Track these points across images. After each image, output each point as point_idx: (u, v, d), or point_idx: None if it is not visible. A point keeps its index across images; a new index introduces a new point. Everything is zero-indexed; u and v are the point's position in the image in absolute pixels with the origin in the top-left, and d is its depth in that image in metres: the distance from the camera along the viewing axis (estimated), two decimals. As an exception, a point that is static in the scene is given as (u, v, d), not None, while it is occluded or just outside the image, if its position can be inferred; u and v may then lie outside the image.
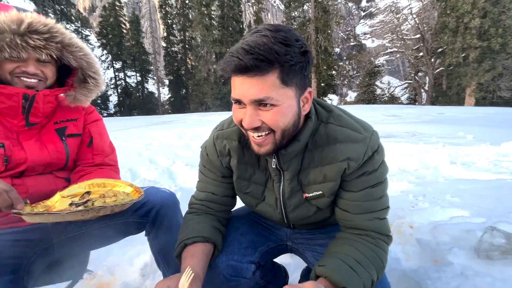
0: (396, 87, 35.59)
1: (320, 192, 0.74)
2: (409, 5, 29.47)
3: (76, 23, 23.78)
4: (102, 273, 1.31)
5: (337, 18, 25.66)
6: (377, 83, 36.10)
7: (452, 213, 1.40)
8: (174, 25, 33.23)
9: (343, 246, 0.69)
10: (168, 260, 1.03)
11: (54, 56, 0.84)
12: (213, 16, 26.95)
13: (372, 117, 9.12)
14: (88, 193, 0.83)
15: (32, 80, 0.83)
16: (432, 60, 26.00)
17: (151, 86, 34.50)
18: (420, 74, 29.46)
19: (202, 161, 0.85)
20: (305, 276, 1.07)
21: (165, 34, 33.65)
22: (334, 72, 29.59)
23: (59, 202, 0.79)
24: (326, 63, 26.29)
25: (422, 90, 28.87)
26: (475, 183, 1.88)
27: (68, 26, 22.12)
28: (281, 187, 0.76)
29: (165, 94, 36.20)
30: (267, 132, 0.63)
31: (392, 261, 1.05)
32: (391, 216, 1.39)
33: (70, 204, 0.76)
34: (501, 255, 0.94)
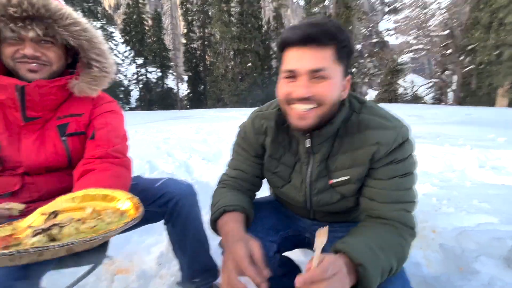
0: (420, 86, 33.97)
1: (347, 177, 0.74)
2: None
3: (102, 20, 24.74)
4: (121, 259, 1.37)
5: (359, 14, 24.85)
6: (400, 81, 34.62)
7: (480, 219, 1.31)
8: (194, 22, 33.66)
9: (366, 230, 0.68)
10: (185, 249, 1.05)
11: (54, 37, 0.75)
12: (232, 12, 27.00)
13: (394, 117, 8.80)
14: (54, 213, 0.61)
15: (33, 66, 0.75)
16: (461, 58, 24.52)
17: (170, 81, 35.27)
18: (447, 72, 27.92)
19: (238, 140, 0.90)
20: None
21: (185, 30, 34.20)
22: (353, 69, 28.75)
23: (36, 221, 0.59)
24: (346, 60, 25.63)
25: (449, 90, 27.38)
26: (506, 189, 1.75)
27: (94, 23, 23.06)
28: (309, 169, 0.78)
29: (183, 89, 36.89)
30: (314, 106, 0.66)
31: (411, 266, 1.01)
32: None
33: (33, 232, 0.53)
34: (535, 266, 0.87)
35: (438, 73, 28.33)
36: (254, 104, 26.51)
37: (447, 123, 6.45)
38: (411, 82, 35.87)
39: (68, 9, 0.78)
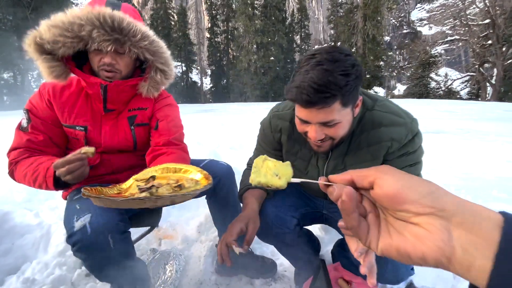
0: (454, 80, 31.60)
1: None
2: (478, -15, 25.67)
3: (131, 16, 25.82)
4: (166, 228, 1.61)
5: (390, 3, 23.61)
6: (432, 75, 32.43)
7: (495, 206, 1.37)
8: (218, 16, 33.99)
9: None
10: (225, 221, 1.21)
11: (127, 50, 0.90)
12: (256, 5, 26.88)
13: (422, 112, 8.45)
14: (153, 177, 0.76)
15: (109, 74, 0.93)
16: (504, 49, 22.50)
17: (194, 75, 36.15)
18: (486, 65, 25.73)
19: (259, 134, 1.05)
20: (339, 246, 1.19)
21: (209, 25, 34.67)
22: (382, 62, 27.50)
23: (133, 185, 0.75)
24: (373, 52, 24.51)
25: (488, 84, 25.28)
26: None
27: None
28: (326, 164, 0.90)
29: (206, 83, 37.66)
30: (327, 140, 0.75)
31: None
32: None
33: (138, 188, 0.70)
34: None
35: (476, 66, 26.19)
36: (276, 98, 26.40)
37: (481, 119, 6.13)
38: (444, 75, 33.44)
39: (139, 25, 0.92)
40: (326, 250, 1.43)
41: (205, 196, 1.25)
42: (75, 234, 0.78)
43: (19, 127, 0.94)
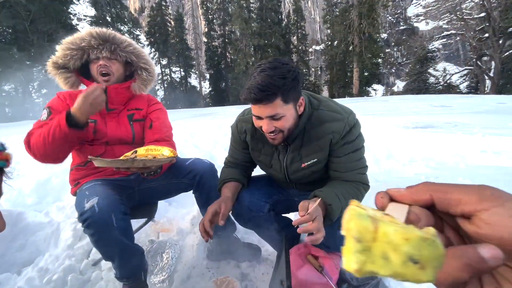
0: (453, 74, 31.58)
1: (316, 159, 1.04)
2: (472, -21, 25.76)
3: (128, 24, 26.19)
4: (163, 222, 1.78)
5: (384, 1, 23.76)
6: (431, 70, 32.42)
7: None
8: (214, 20, 34.30)
9: (335, 185, 1.00)
10: None
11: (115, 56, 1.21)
12: (251, 8, 27.16)
13: (417, 108, 8.58)
14: (135, 151, 1.07)
15: (105, 77, 1.20)
16: (500, 42, 22.55)
17: (193, 80, 36.45)
18: (484, 58, 25.77)
19: (231, 136, 1.24)
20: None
21: (206, 29, 35.00)
22: (379, 60, 27.62)
23: (128, 155, 1.07)
24: (370, 50, 24.66)
25: (486, 77, 25.31)
26: (496, 170, 1.89)
27: (121, 27, 24.51)
28: (285, 157, 1.08)
29: (206, 87, 37.98)
30: (278, 132, 0.93)
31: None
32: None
33: (125, 157, 1.02)
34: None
35: (474, 60, 26.23)
36: (275, 99, 26.41)
37: (471, 113, 6.26)
38: (443, 70, 33.39)
39: (124, 37, 1.25)
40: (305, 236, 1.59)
41: (192, 191, 1.42)
42: (86, 213, 0.96)
43: (39, 121, 1.14)
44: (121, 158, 0.98)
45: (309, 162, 1.04)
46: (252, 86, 0.85)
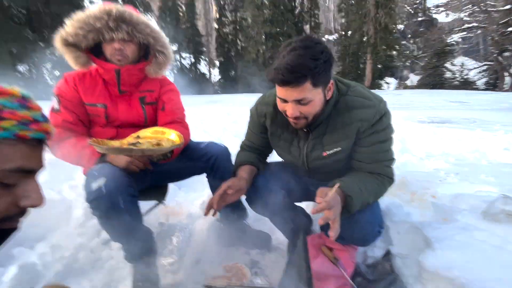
0: (471, 69, 30.28)
1: (339, 149, 0.97)
2: (500, -32, 24.24)
3: (140, 8, 25.90)
4: (173, 206, 1.78)
5: (403, -11, 22.67)
6: (447, 65, 31.16)
7: (480, 188, 1.45)
8: (226, 6, 33.61)
9: (358, 176, 0.94)
10: None
11: (129, 37, 1.11)
12: (264, -6, 26.38)
13: (432, 103, 8.31)
14: (138, 137, 1.06)
15: (119, 57, 1.12)
16: (525, 36, 21.40)
17: (203, 67, 36.19)
18: (505, 54, 24.56)
19: (249, 120, 1.19)
20: (323, 227, 1.30)
21: (217, 15, 34.40)
22: (394, 52, 26.67)
23: (127, 140, 1.06)
24: (386, 42, 23.79)
25: (506, 74, 24.22)
26: None
27: (134, 11, 24.20)
28: (306, 144, 1.02)
29: (215, 75, 37.71)
30: (302, 118, 0.87)
31: (402, 214, 1.23)
32: (416, 187, 1.53)
33: (128, 143, 1.02)
34: (506, 217, 1.05)
35: (495, 55, 25.03)
36: (285, 90, 26.05)
37: (490, 110, 6.02)
38: (460, 65, 32.00)
39: (142, 17, 1.14)
40: (318, 227, 1.56)
41: (206, 175, 1.39)
42: (93, 194, 0.94)
43: (52, 110, 1.11)
44: (122, 142, 1.00)
45: (331, 151, 0.98)
46: (281, 66, 0.77)
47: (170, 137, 1.05)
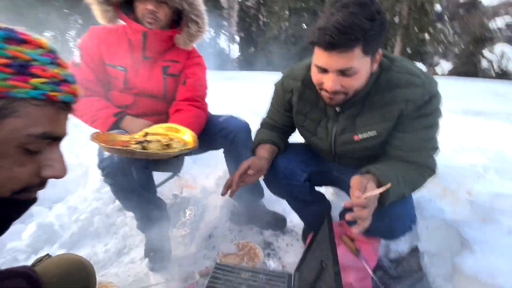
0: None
1: (375, 133, 0.84)
2: None
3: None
4: (188, 178, 1.75)
5: (448, -36, 20.42)
6: (485, 52, 28.54)
7: (525, 189, 1.30)
8: (250, -23, 31.94)
9: (395, 164, 0.81)
10: None
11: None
12: (292, -35, 24.66)
13: (466, 93, 7.69)
14: (146, 134, 0.95)
15: (150, 20, 1.04)
16: None
17: (222, 42, 35.35)
18: (555, 43, 22.08)
19: (273, 95, 1.08)
20: (346, 209, 1.23)
21: (241, -13, 32.84)
22: (427, 36, 24.66)
23: (138, 135, 0.95)
24: (419, 24, 21.93)
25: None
26: None
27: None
28: (335, 125, 0.89)
29: (234, 51, 36.84)
30: (341, 93, 0.74)
31: (433, 209, 1.13)
32: (448, 181, 1.39)
33: (135, 140, 0.91)
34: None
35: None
36: (305, 70, 25.14)
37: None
38: (500, 53, 29.25)
39: None
40: (337, 214, 1.48)
41: (223, 150, 1.33)
42: (105, 161, 0.92)
43: (73, 64, 1.06)
44: (131, 137, 0.91)
45: (364, 135, 0.85)
46: (329, 25, 0.63)
47: (183, 136, 0.95)
